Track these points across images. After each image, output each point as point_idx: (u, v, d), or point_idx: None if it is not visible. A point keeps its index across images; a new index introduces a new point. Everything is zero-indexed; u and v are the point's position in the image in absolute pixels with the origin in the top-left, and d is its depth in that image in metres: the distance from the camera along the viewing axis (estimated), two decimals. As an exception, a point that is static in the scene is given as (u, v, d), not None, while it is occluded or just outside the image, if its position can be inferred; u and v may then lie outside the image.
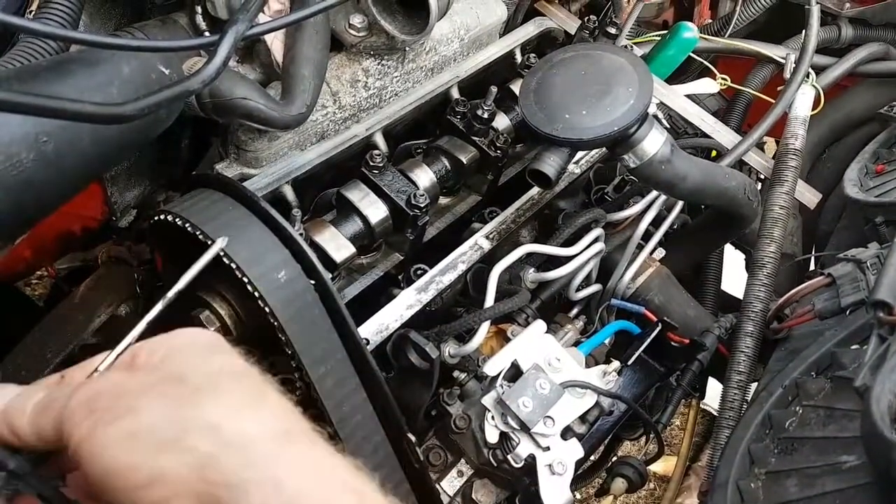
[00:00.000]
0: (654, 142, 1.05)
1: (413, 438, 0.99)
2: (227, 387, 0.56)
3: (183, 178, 1.38)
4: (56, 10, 0.90)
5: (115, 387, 0.55)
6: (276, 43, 1.17)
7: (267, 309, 0.92)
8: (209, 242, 0.93)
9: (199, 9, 1.13)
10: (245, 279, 0.92)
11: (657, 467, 2.28)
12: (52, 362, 1.21)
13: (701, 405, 1.81)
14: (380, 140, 1.27)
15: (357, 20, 1.21)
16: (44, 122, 0.72)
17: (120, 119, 0.70)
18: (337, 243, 1.09)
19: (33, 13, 0.93)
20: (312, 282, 0.96)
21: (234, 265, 0.92)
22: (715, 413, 1.28)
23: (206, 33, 1.15)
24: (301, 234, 0.99)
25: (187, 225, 0.95)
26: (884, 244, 1.17)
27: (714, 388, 1.39)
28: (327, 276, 0.96)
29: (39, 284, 2.32)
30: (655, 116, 1.32)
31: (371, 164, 1.15)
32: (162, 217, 0.98)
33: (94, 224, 1.40)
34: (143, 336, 0.61)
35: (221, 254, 0.93)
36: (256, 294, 0.92)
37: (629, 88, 1.04)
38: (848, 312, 1.10)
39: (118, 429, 0.51)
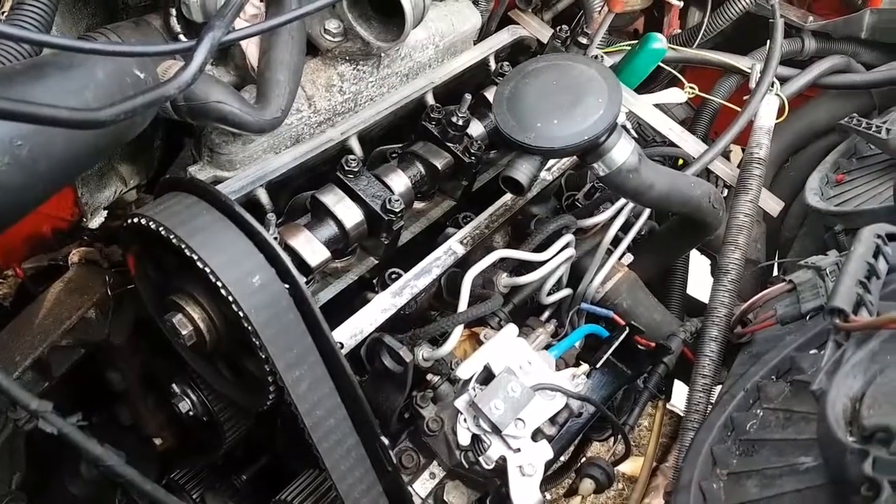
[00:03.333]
0: (622, 151, 1.08)
1: (386, 442, 1.00)
2: None
3: (155, 179, 1.38)
4: (29, 13, 0.90)
5: None
6: (251, 47, 1.17)
7: (241, 313, 0.92)
8: (182, 247, 0.94)
9: (173, 11, 1.13)
10: (219, 284, 0.92)
11: (625, 468, 2.31)
12: (20, 365, 1.20)
13: (667, 406, 1.85)
14: (355, 144, 1.28)
15: (332, 25, 1.22)
16: (18, 126, 0.72)
17: (95, 124, 0.70)
18: (311, 247, 1.09)
19: (5, 14, 0.92)
20: (287, 286, 0.96)
21: (207, 269, 0.92)
22: (681, 414, 1.32)
23: (181, 36, 1.15)
24: (275, 239, 0.99)
25: (161, 229, 0.95)
26: (842, 252, 1.21)
27: (681, 389, 1.42)
28: (301, 280, 0.97)
29: (4, 284, 2.27)
30: (624, 126, 1.34)
31: (346, 168, 1.16)
32: (135, 220, 0.98)
33: (63, 225, 1.39)
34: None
35: (195, 258, 0.94)
36: (230, 299, 0.92)
37: (599, 99, 1.06)
38: (808, 318, 1.13)
39: None
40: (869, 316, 0.86)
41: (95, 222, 1.35)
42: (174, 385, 1.22)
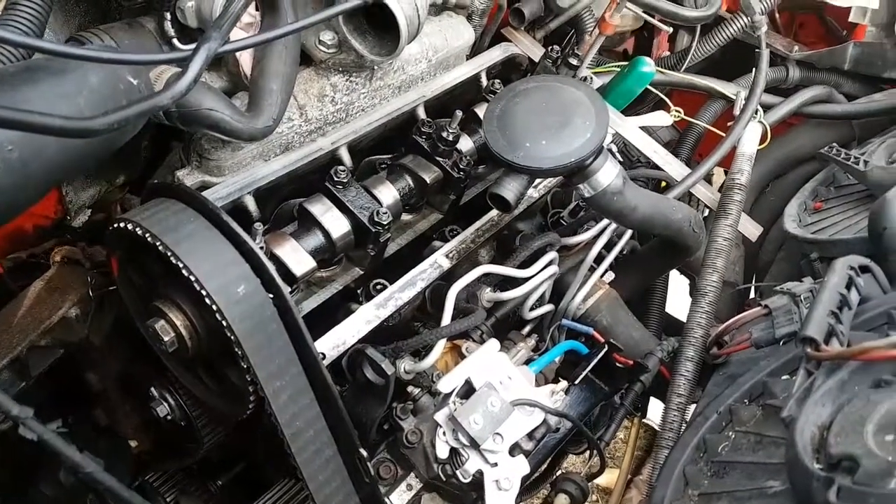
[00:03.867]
0: (607, 174, 1.10)
1: (365, 454, 1.01)
2: None
3: (141, 179, 1.37)
4: (22, 14, 0.89)
5: None
6: (244, 55, 1.18)
7: (224, 322, 0.93)
8: (169, 254, 0.94)
9: (168, 15, 1.13)
10: (203, 292, 0.93)
11: (601, 480, 2.33)
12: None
13: (643, 420, 1.88)
14: (345, 154, 1.29)
15: (327, 37, 1.23)
16: (9, 131, 0.72)
17: (88, 133, 0.71)
18: (297, 257, 1.10)
19: (-1, 15, 0.92)
20: (271, 296, 0.97)
21: (193, 277, 0.93)
22: (657, 428, 1.34)
23: (175, 40, 1.15)
24: (262, 248, 1.00)
25: (147, 235, 0.95)
26: (817, 279, 1.23)
27: (657, 403, 1.44)
28: (286, 290, 0.98)
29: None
30: (610, 149, 1.37)
31: (335, 178, 1.16)
32: (122, 225, 0.98)
33: (46, 222, 1.38)
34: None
35: (181, 265, 0.94)
36: (214, 307, 0.93)
37: (587, 122, 1.08)
38: (782, 343, 1.16)
39: None
40: (840, 346, 0.89)
41: (79, 220, 1.34)
42: (153, 389, 1.22)
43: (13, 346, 1.21)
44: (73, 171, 0.97)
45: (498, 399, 1.08)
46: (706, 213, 1.61)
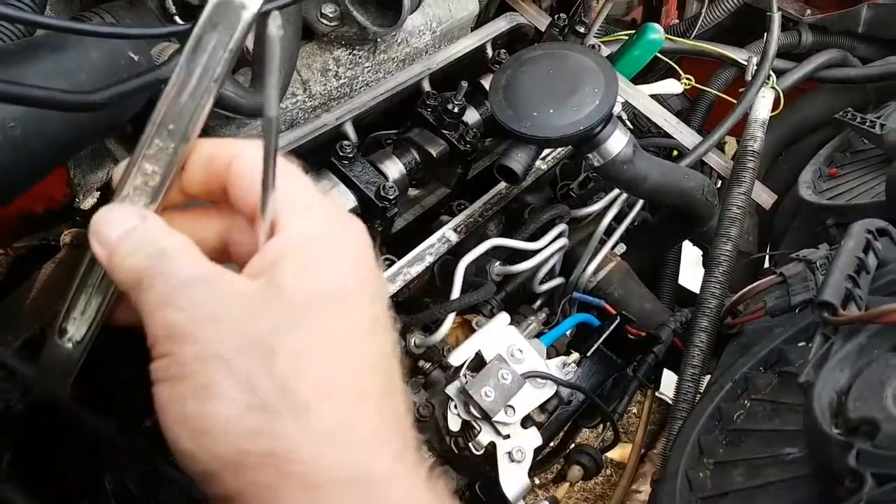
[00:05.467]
0: (617, 142, 1.08)
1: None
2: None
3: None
4: (22, -8, 0.89)
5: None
6: (246, 29, 1.16)
7: (234, 298, 0.92)
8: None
9: (168, -8, 1.12)
10: (213, 268, 0.92)
11: (613, 454, 2.33)
12: (12, 345, 1.19)
13: (656, 394, 1.87)
14: (350, 130, 1.27)
15: (329, 10, 1.21)
16: (11, 107, 0.71)
17: (90, 107, 0.70)
18: (305, 233, 1.09)
19: (-2, -8, 0.91)
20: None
21: (201, 253, 0.93)
22: (670, 402, 1.33)
23: (176, 18, 1.14)
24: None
25: (154, 212, 0.95)
26: (833, 245, 1.22)
27: (671, 375, 1.44)
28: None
29: (-5, 263, 2.25)
30: (619, 117, 1.35)
31: (341, 154, 1.15)
32: (128, 203, 0.98)
33: (55, 205, 1.38)
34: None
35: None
36: (224, 283, 0.92)
37: (595, 89, 1.06)
38: (797, 311, 1.14)
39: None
40: (857, 310, 0.87)
41: (88, 203, 1.34)
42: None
43: (26, 328, 1.21)
44: (75, 148, 0.97)
45: (509, 371, 1.07)
46: (719, 182, 1.59)
